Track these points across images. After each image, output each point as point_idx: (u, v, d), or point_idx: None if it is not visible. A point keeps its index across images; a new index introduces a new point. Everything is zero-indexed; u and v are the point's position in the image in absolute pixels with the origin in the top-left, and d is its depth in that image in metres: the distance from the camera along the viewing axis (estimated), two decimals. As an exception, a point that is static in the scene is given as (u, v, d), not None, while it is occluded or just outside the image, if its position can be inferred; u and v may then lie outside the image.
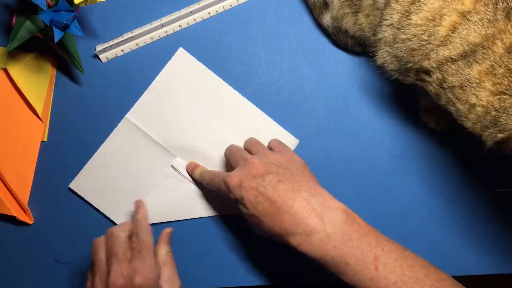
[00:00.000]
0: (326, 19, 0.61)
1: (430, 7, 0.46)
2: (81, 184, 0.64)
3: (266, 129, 0.63)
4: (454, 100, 0.46)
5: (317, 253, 0.50)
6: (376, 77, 0.63)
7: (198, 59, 0.64)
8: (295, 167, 0.55)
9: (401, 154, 0.63)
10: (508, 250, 0.62)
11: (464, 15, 0.44)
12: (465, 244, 0.62)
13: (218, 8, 0.63)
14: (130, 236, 0.57)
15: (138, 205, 0.62)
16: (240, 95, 0.63)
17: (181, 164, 0.64)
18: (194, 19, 0.64)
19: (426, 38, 0.47)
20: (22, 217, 0.64)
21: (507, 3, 0.43)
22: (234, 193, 0.54)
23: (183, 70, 0.63)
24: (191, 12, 0.63)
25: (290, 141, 0.63)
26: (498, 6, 0.43)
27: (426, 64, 0.48)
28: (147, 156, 0.64)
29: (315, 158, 0.63)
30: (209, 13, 0.64)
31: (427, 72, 0.49)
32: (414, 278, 0.50)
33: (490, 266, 0.62)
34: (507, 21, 0.43)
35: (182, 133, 0.64)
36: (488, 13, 0.43)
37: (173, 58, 0.63)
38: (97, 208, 0.64)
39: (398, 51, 0.50)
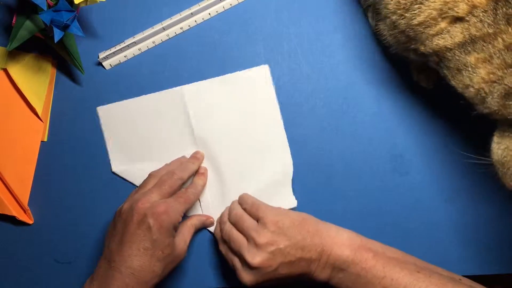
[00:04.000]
0: None
1: (426, 15, 0.48)
2: (107, 113, 0.64)
3: (279, 172, 0.63)
4: (450, 78, 0.50)
5: None
6: (377, 77, 0.63)
7: (198, 59, 0.64)
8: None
9: (401, 154, 0.63)
10: (509, 249, 0.62)
11: (461, 19, 0.46)
12: (465, 244, 0.62)
13: (218, 8, 0.63)
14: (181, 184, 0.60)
15: (203, 171, 0.63)
16: (285, 137, 0.63)
17: None
18: (195, 21, 0.64)
19: (422, 29, 0.49)
20: (22, 217, 0.64)
21: (506, 10, 0.44)
22: None
23: (255, 82, 0.63)
24: (191, 13, 0.63)
25: (290, 200, 0.63)
26: (498, 12, 0.44)
27: (422, 49, 0.51)
28: (175, 132, 0.64)
29: (315, 158, 0.63)
30: (209, 13, 0.64)
31: (424, 55, 0.51)
32: None
33: (491, 266, 0.62)
34: (508, 26, 0.44)
35: (215, 132, 0.63)
36: (488, 17, 0.45)
37: (255, 68, 0.63)
38: (105, 138, 0.64)
39: (394, 37, 0.54)
